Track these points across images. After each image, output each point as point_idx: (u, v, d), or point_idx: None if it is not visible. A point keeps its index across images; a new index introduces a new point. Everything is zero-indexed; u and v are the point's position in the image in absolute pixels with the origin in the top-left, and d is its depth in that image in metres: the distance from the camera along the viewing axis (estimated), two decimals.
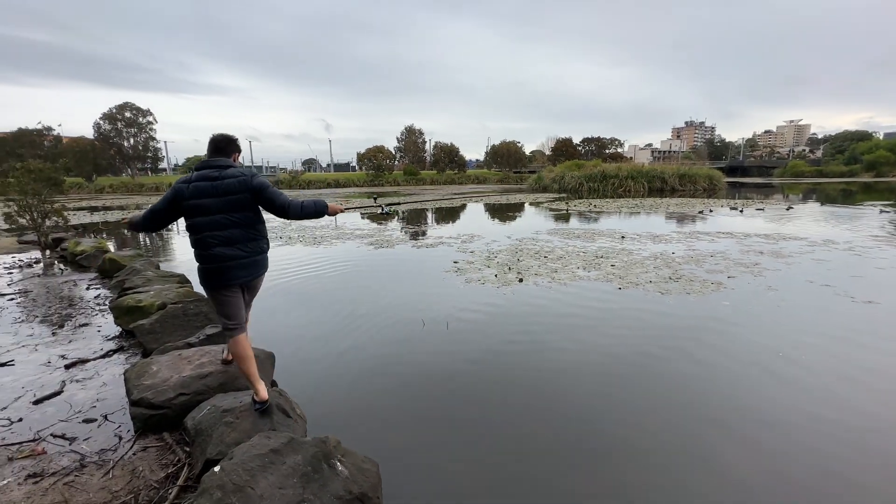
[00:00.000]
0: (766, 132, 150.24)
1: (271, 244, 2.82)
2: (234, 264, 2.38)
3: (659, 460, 2.40)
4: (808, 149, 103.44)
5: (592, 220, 13.51)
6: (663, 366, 3.49)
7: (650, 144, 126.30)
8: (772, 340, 3.91)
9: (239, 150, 2.58)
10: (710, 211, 15.33)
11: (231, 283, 2.41)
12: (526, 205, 20.39)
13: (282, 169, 75.54)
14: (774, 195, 26.19)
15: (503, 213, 17.17)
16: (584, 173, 31.17)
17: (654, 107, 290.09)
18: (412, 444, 2.58)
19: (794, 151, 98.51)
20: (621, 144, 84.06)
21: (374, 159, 54.76)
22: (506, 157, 64.46)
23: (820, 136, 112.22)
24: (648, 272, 6.34)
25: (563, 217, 14.55)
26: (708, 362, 3.52)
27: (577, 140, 72.98)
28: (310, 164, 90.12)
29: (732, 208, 16.29)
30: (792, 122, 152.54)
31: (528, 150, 77.63)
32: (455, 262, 7.26)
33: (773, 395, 3.02)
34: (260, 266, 2.56)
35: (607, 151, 73.91)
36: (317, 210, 2.51)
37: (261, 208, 2.48)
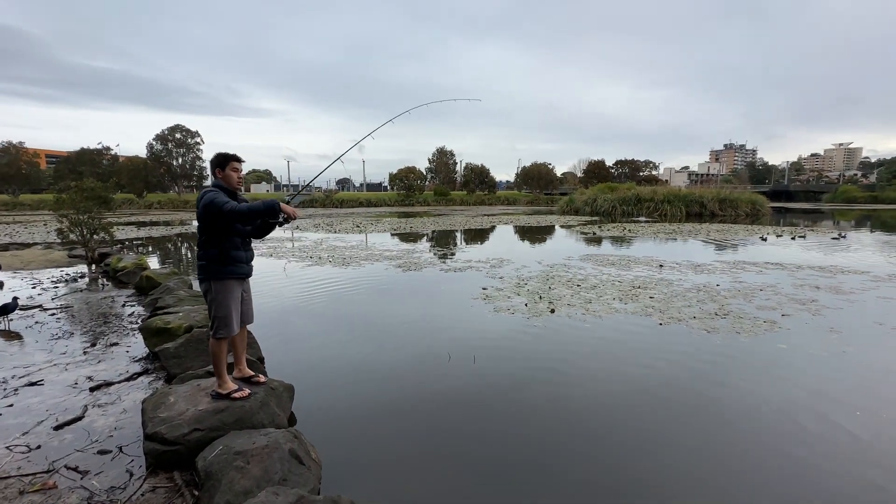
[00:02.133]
0: (812, 155, 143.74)
1: (300, 264, 2.85)
2: None
3: None
4: (860, 173, 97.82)
5: (627, 245, 13.01)
6: (714, 416, 3.13)
7: (687, 167, 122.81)
8: (841, 393, 3.47)
9: (219, 166, 2.82)
10: (765, 238, 14.49)
11: None
12: (557, 227, 20.00)
13: (317, 188, 78.04)
14: (824, 221, 24.63)
15: (533, 235, 16.85)
16: (618, 196, 30.43)
17: (691, 129, 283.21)
18: (435, 501, 2.35)
19: (844, 176, 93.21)
20: (656, 167, 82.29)
21: (405, 180, 55.73)
22: (536, 179, 64.06)
23: (873, 160, 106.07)
24: (691, 306, 5.92)
25: (596, 241, 14.10)
26: (767, 418, 3.13)
27: (609, 162, 71.91)
28: (344, 183, 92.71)
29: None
30: (841, 144, 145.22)
31: (559, 171, 76.99)
32: (484, 289, 7.05)
33: (849, 461, 2.62)
34: (200, 270, 2.79)
35: (641, 174, 72.44)
36: (264, 209, 2.65)
37: (209, 223, 2.73)
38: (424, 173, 64.07)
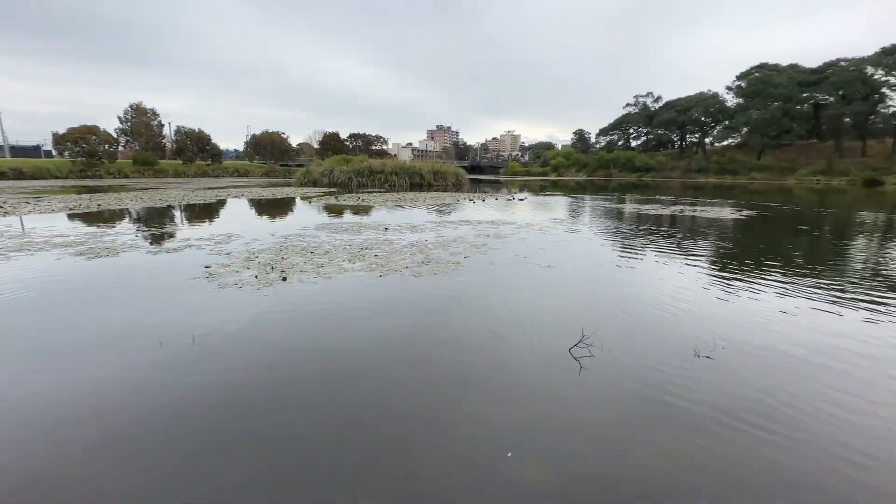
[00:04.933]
0: (493, 139, 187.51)
1: None
2: None
3: (446, 429, 2.79)
4: (520, 153, 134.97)
5: (360, 213, 14.09)
6: (422, 339, 4.02)
7: (410, 143, 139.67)
8: (492, 296, 5.02)
9: None
10: (471, 201, 18.25)
11: None
12: (296, 200, 19.54)
13: None
14: (502, 189, 33.17)
15: (268, 209, 15.97)
16: (353, 168, 32.03)
17: (414, 109, 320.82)
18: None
19: (511, 155, 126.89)
20: (386, 142, 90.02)
21: (83, 143, 41.86)
22: (270, 149, 59.79)
23: (527, 144, 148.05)
24: (406, 259, 7.10)
25: (333, 211, 14.64)
26: (456, 330, 4.25)
27: (344, 135, 74.06)
28: None
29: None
30: (510, 132, 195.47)
31: (294, 142, 74.14)
32: (207, 267, 6.38)
33: (495, 342, 3.91)
34: None
35: (374, 148, 77.86)
36: None
37: None
38: (116, 136, 49.76)
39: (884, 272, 6.80)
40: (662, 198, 23.90)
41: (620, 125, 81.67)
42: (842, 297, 5.34)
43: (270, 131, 62.55)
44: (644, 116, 76.78)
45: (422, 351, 3.77)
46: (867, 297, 5.35)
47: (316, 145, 76.18)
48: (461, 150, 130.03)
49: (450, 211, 15.25)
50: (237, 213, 14.48)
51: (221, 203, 17.64)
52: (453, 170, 36.92)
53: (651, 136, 79.19)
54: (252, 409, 2.86)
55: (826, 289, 5.72)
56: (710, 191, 32.48)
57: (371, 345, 3.87)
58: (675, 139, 76.90)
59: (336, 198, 19.95)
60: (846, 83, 53.41)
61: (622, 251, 8.25)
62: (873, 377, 3.34)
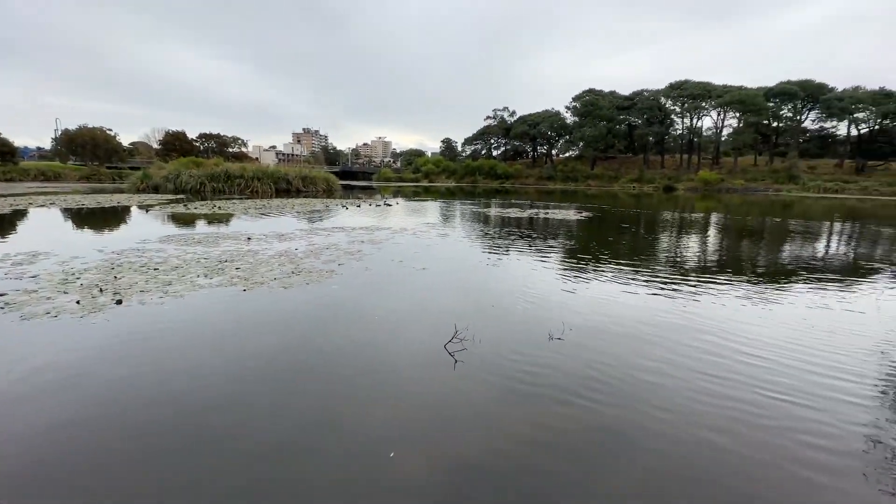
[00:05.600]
0: (364, 144, 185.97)
1: None
2: None
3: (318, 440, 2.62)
4: (392, 160, 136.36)
5: (216, 223, 12.60)
6: (297, 353, 3.78)
7: (274, 147, 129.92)
8: (368, 302, 4.99)
9: None
10: (344, 207, 17.60)
11: None
12: (132, 209, 16.52)
13: None
14: (375, 195, 33.01)
15: (93, 220, 13.22)
16: (206, 172, 28.45)
17: (277, 110, 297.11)
18: None
19: (384, 162, 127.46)
20: (245, 144, 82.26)
21: None
22: (91, 148, 49.53)
23: (398, 151, 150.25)
24: (273, 270, 6.61)
25: (182, 221, 12.80)
26: (332, 338, 4.09)
27: (192, 135, 65.42)
28: None
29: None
30: (381, 138, 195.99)
31: (126, 140, 62.86)
32: (1, 295, 5.02)
33: (373, 346, 3.90)
34: None
35: (230, 150, 70.51)
36: None
37: None
38: None
39: (678, 260, 8.71)
40: (521, 202, 26.63)
41: (483, 135, 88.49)
42: (652, 281, 6.67)
43: (91, 127, 51.80)
44: (502, 129, 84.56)
45: (297, 365, 3.57)
46: (669, 280, 6.79)
47: (156, 145, 65.70)
48: (331, 155, 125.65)
49: (322, 218, 14.64)
50: (46, 227, 11.66)
51: (20, 214, 14.00)
52: (324, 175, 35.37)
53: (509, 147, 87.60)
54: (70, 479, 2.36)
55: (641, 275, 7.09)
56: (559, 196, 37.32)
57: (236, 365, 3.51)
58: (529, 150, 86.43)
59: (185, 206, 17.48)
60: (648, 109, 66.98)
61: (489, 251, 8.98)
62: (672, 347, 4.26)
